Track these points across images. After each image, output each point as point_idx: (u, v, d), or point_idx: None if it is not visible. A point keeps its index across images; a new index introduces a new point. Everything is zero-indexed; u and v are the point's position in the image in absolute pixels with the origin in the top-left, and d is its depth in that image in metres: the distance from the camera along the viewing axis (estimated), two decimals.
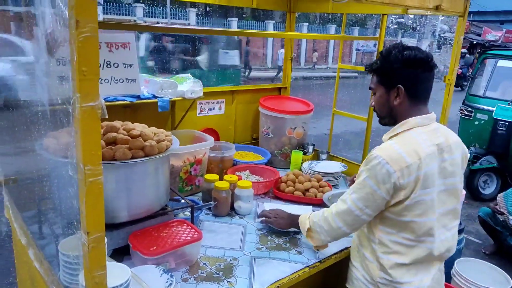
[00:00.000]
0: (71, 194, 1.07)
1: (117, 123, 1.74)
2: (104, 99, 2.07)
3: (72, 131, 0.96)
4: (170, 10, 20.50)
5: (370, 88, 1.69)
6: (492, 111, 5.75)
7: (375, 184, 1.47)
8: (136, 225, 1.70)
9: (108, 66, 1.67)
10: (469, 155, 1.69)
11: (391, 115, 1.61)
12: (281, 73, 19.99)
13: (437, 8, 1.89)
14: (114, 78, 1.68)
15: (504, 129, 5.62)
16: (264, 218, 2.02)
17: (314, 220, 1.70)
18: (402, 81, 1.55)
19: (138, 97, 2.14)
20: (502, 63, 6.34)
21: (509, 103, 5.72)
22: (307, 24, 24.58)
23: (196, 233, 1.73)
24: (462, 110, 6.33)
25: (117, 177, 1.57)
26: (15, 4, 1.49)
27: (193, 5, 20.72)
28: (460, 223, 2.24)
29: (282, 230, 1.99)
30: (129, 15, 19.41)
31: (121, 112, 2.31)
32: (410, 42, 24.16)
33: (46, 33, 1.21)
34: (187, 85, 2.36)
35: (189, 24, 20.76)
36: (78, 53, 0.87)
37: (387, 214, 1.54)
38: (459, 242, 3.07)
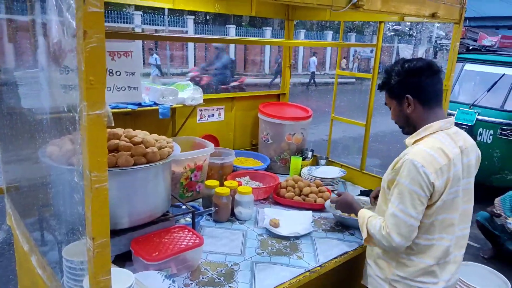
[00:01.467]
0: (76, 200, 1.09)
1: (119, 130, 1.76)
2: None
3: (78, 139, 0.98)
4: (168, 17, 20.59)
5: (385, 104, 1.78)
6: (453, 115, 5.64)
7: (419, 188, 1.49)
8: (138, 231, 1.71)
9: (111, 74, 1.70)
10: (481, 156, 1.75)
11: (409, 123, 1.69)
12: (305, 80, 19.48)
13: (433, 15, 1.92)
14: (116, 86, 1.70)
15: None
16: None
17: (372, 232, 1.64)
18: (408, 90, 1.64)
19: (140, 104, 2.17)
20: (468, 66, 6.28)
21: (470, 107, 5.64)
22: (304, 30, 24.73)
23: (198, 238, 1.75)
24: None
25: (119, 184, 1.59)
26: (21, 14, 1.52)
27: (191, 12, 20.82)
28: None
29: (282, 235, 2.02)
30: (128, 22, 19.48)
31: (122, 120, 2.33)
32: (407, 48, 24.31)
33: (52, 43, 1.24)
34: (187, 92, 2.39)
35: (187, 32, 20.83)
36: (86, 63, 0.89)
37: None
38: None
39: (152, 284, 1.47)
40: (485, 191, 5.63)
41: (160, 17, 20.46)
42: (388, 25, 24.82)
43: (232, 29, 22.29)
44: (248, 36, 22.41)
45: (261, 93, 3.24)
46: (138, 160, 1.59)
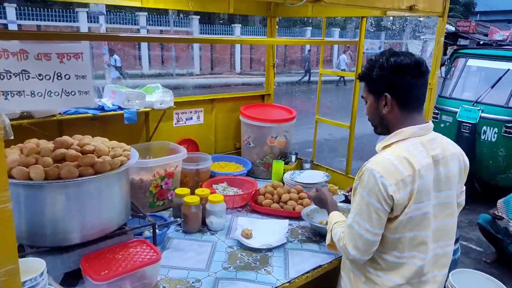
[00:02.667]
0: None
1: (69, 139, 1.65)
2: (65, 112, 1.99)
3: None
4: (173, 18, 20.54)
5: (362, 97, 1.61)
6: (457, 113, 5.45)
7: (376, 201, 1.36)
8: (89, 247, 1.59)
9: (59, 78, 1.59)
10: (468, 165, 1.57)
11: (383, 124, 1.53)
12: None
13: (411, 8, 1.77)
14: (65, 90, 1.59)
15: (468, 131, 5.30)
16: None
17: (334, 240, 1.56)
18: (388, 89, 1.46)
19: (102, 109, 2.06)
20: (471, 62, 6.00)
21: (473, 104, 5.39)
22: (311, 28, 24.52)
23: (155, 254, 1.62)
24: None
25: (64, 197, 1.48)
26: None
27: (197, 13, 20.74)
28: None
29: (253, 247, 1.89)
30: (133, 24, 19.50)
31: (89, 125, 2.22)
32: (415, 44, 23.88)
33: None
34: (156, 96, 2.27)
35: (192, 32, 20.76)
36: None
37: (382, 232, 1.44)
38: (454, 252, 2.92)
39: None
40: (490, 191, 5.44)
41: (165, 18, 20.43)
42: (396, 21, 24.44)
43: (237, 28, 22.18)
44: (255, 35, 22.22)
45: (243, 94, 3.11)
46: (84, 171, 1.48)
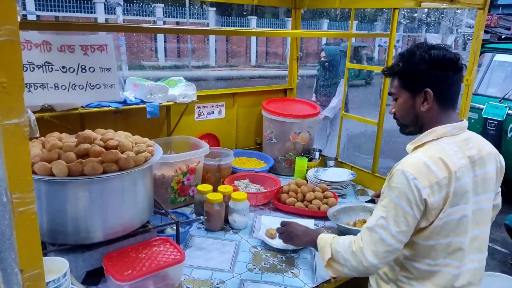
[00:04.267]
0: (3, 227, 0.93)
1: (92, 133, 1.59)
2: (87, 105, 1.94)
3: None
4: (190, 9, 20.46)
5: (390, 94, 1.50)
6: (482, 109, 5.25)
7: (407, 204, 1.26)
8: (112, 245, 1.55)
9: (83, 71, 1.53)
10: (504, 166, 1.47)
11: (417, 123, 1.43)
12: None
13: (451, 0, 1.66)
14: (90, 83, 1.54)
15: (494, 128, 5.09)
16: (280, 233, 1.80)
17: (338, 250, 1.42)
18: (430, 84, 1.37)
19: (125, 102, 2.00)
20: (499, 57, 5.75)
21: (500, 101, 5.19)
22: (328, 20, 24.13)
23: (179, 253, 1.57)
24: None
25: (87, 194, 1.43)
26: None
27: (212, 4, 20.61)
28: None
29: (278, 248, 1.82)
30: (149, 15, 19.50)
31: (111, 119, 2.18)
32: (434, 38, 23.34)
33: None
34: (179, 89, 2.20)
35: (208, 24, 20.69)
36: None
37: (414, 239, 1.35)
38: None
39: None
40: None
41: (181, 9, 20.37)
42: (413, 13, 23.91)
43: (253, 21, 22.00)
44: (270, 27, 22.01)
45: (265, 88, 3.02)
46: (108, 168, 1.42)
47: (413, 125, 1.46)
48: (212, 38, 20.56)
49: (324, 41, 22.92)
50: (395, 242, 1.28)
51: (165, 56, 19.92)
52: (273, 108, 2.70)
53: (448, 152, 1.31)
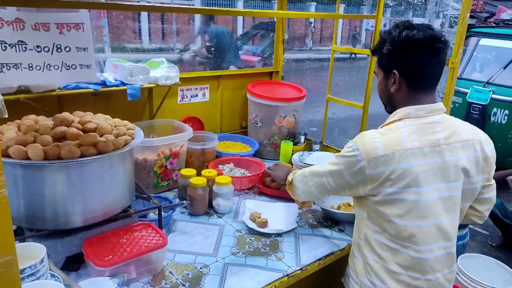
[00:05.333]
0: None
1: (70, 115, 1.54)
2: (65, 86, 1.88)
3: None
4: None
5: (374, 73, 1.53)
6: (467, 94, 5.31)
7: (344, 166, 1.39)
8: (92, 230, 1.51)
9: (59, 50, 1.46)
10: (491, 156, 1.40)
11: (391, 103, 1.46)
12: None
13: None
14: (66, 64, 1.47)
15: (478, 113, 5.17)
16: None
17: (296, 175, 1.69)
18: (397, 65, 1.37)
19: (104, 83, 1.94)
20: (484, 41, 5.81)
21: (484, 85, 5.24)
22: (315, 3, 23.88)
23: (161, 238, 1.54)
24: (438, 92, 5.89)
25: (65, 178, 1.39)
26: None
27: None
28: None
29: (263, 231, 1.81)
30: None
31: (90, 101, 2.12)
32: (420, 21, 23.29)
33: None
34: (161, 71, 2.14)
35: (193, 5, 20.28)
36: None
37: (370, 205, 1.38)
38: (463, 237, 2.87)
39: None
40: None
41: None
42: None
43: (240, 2, 21.62)
44: (258, 9, 21.71)
45: (251, 71, 2.97)
46: (85, 151, 1.38)
47: (389, 105, 1.48)
48: (197, 19, 20.14)
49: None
50: (327, 184, 1.49)
51: (149, 38, 19.47)
52: (259, 91, 2.66)
53: (401, 133, 1.31)
